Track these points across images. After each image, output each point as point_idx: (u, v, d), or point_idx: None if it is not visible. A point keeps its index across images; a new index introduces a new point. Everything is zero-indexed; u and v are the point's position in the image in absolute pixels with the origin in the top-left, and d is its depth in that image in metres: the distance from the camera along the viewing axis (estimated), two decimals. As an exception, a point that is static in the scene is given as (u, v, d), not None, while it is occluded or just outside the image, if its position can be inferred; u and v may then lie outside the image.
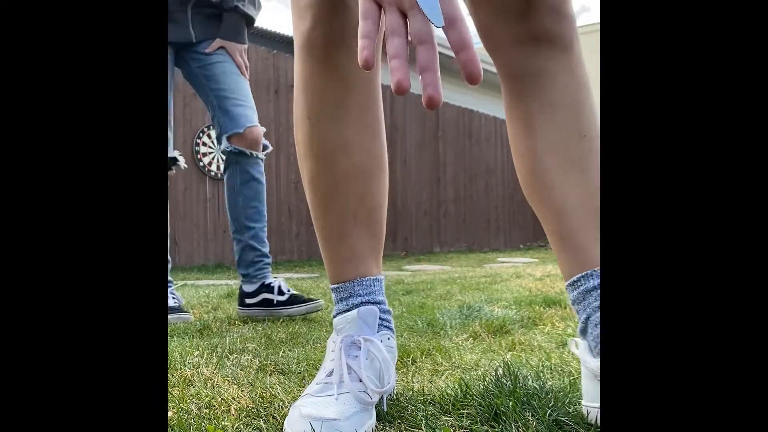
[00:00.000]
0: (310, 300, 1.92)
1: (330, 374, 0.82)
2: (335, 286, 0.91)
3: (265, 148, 2.06)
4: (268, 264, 2.03)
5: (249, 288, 1.96)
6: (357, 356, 0.83)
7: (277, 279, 1.99)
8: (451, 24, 0.60)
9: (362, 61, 0.58)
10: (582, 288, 0.81)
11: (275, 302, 1.89)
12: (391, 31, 0.60)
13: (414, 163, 7.73)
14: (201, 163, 5.43)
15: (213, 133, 5.43)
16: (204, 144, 5.35)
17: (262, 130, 2.05)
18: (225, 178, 2.05)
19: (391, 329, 0.91)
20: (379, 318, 0.88)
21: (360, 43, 0.59)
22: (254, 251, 1.99)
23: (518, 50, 0.84)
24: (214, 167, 5.38)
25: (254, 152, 1.99)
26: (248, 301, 1.94)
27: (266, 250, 2.04)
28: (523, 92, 0.85)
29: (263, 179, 2.05)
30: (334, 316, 0.90)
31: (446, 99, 8.92)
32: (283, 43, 9.55)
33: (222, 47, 1.98)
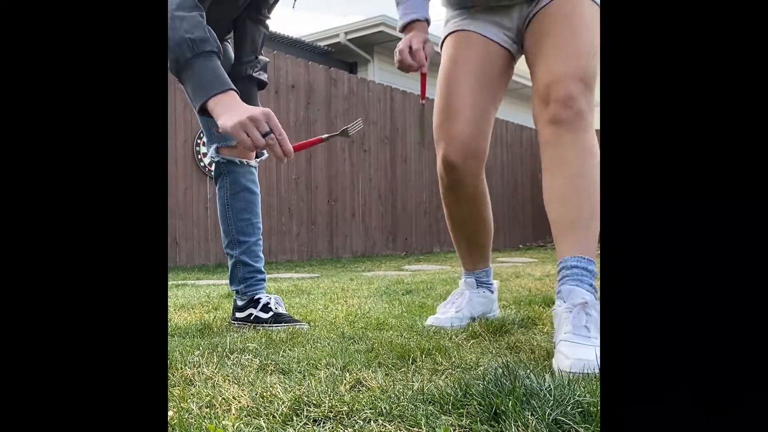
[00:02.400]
0: (295, 321, 1.79)
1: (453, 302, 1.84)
2: (466, 272, 1.88)
3: (259, 155, 1.92)
4: (262, 280, 1.89)
5: (239, 302, 1.87)
6: (460, 298, 1.85)
7: (270, 296, 1.86)
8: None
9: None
10: (559, 266, 1.41)
11: (262, 319, 1.79)
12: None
13: (414, 163, 7.74)
14: (201, 163, 5.44)
15: (213, 133, 5.43)
16: (204, 144, 5.36)
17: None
18: (216, 188, 1.92)
19: (487, 287, 1.87)
20: (477, 283, 1.85)
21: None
22: (246, 267, 1.87)
23: (543, 126, 1.48)
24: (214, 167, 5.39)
25: (245, 160, 1.86)
26: (237, 315, 1.85)
27: (260, 265, 1.90)
28: (544, 151, 1.49)
29: (257, 188, 1.91)
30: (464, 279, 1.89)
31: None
32: (284, 43, 9.56)
33: None
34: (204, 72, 1.35)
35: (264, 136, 1.31)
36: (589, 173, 1.42)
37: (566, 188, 1.41)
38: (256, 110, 1.32)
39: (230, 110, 1.32)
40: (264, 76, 1.91)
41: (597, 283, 1.35)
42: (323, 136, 1.53)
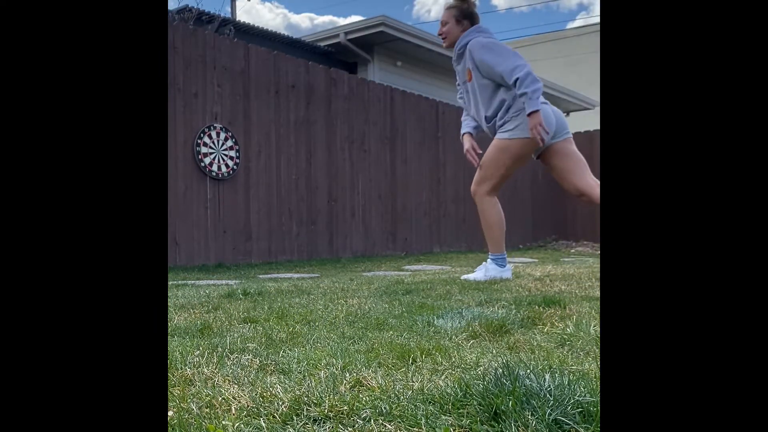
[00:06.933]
0: None
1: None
2: (496, 255, 3.34)
3: None
4: None
5: None
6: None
7: None
8: None
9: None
10: None
11: None
12: None
13: (414, 163, 7.73)
14: (201, 164, 5.43)
15: (213, 134, 5.43)
16: (204, 144, 5.35)
17: None
18: None
19: (497, 262, 3.33)
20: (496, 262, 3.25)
21: None
22: None
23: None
24: (214, 167, 5.38)
25: None
26: None
27: None
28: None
29: None
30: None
31: (446, 99, 8.91)
32: (284, 43, 9.55)
33: None
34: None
35: None
36: None
37: None
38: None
39: None
40: None
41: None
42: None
